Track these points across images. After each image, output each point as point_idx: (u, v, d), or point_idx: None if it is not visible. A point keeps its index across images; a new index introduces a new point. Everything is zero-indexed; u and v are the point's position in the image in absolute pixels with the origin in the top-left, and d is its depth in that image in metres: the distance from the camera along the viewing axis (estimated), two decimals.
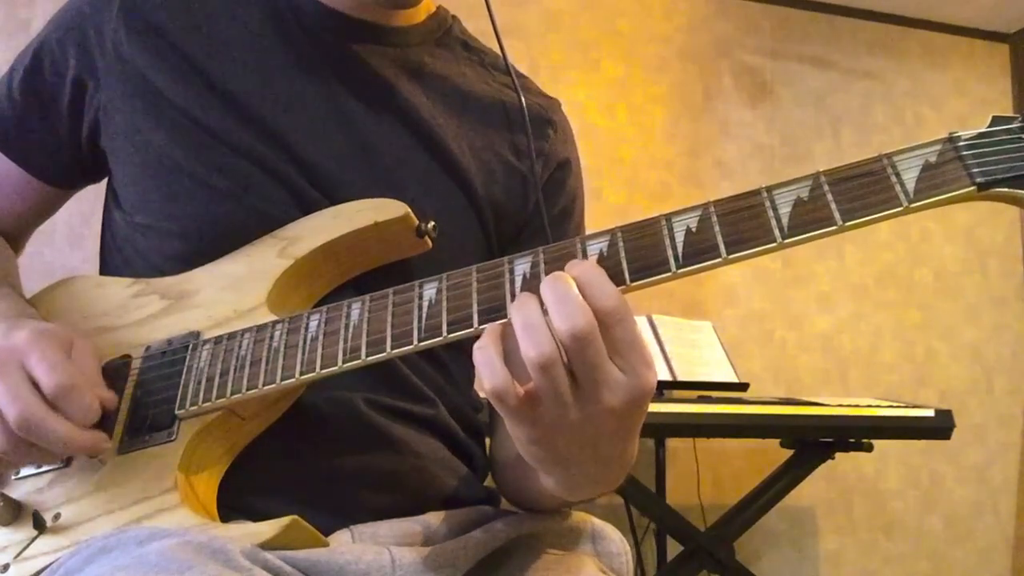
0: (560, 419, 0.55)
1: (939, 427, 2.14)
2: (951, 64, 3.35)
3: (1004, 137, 0.56)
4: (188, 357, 0.71)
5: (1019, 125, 0.56)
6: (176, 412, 0.69)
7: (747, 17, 3.11)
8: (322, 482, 0.73)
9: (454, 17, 0.92)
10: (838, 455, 2.27)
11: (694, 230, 0.58)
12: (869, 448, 2.22)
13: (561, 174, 0.90)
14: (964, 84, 3.36)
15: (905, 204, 0.56)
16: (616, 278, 0.57)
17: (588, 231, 0.68)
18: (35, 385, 0.64)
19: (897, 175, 0.56)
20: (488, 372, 0.54)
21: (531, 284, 0.59)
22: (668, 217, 0.60)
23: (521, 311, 0.54)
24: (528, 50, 2.79)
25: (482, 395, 0.87)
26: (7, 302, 0.77)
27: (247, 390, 0.67)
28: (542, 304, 0.54)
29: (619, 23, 2.96)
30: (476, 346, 0.55)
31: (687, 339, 2.38)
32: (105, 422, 0.68)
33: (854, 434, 2.20)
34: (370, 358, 0.63)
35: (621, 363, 0.54)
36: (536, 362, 0.53)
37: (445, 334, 0.61)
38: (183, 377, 0.70)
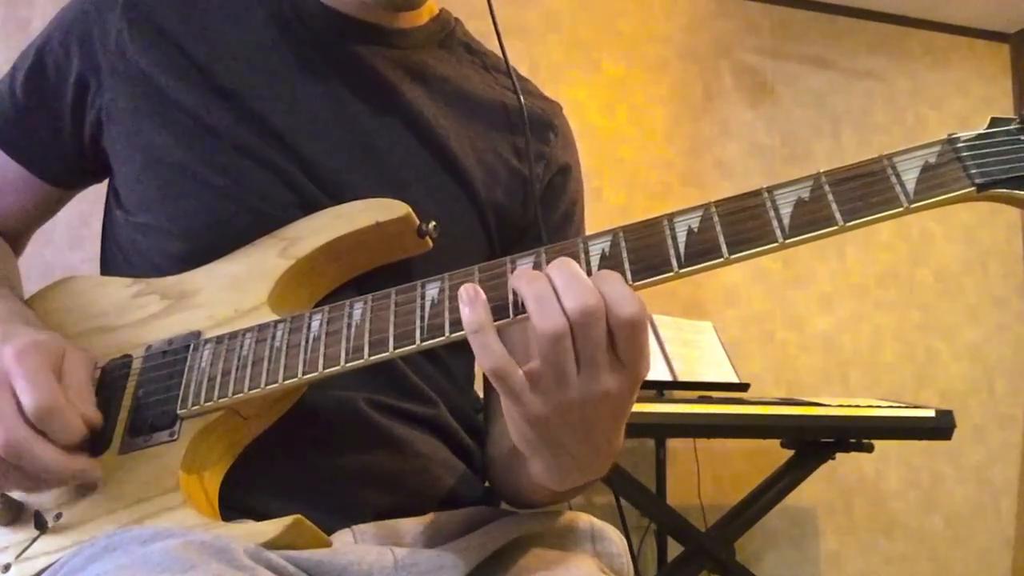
0: (559, 398, 0.56)
1: (940, 427, 2.14)
2: (952, 64, 3.35)
3: (1003, 138, 0.56)
4: (189, 357, 0.71)
5: (1017, 127, 0.56)
6: (178, 412, 0.68)
7: (747, 17, 3.11)
8: (323, 482, 0.73)
9: (456, 20, 0.93)
10: (839, 455, 2.27)
11: (696, 230, 0.59)
12: (870, 448, 2.22)
13: (562, 178, 0.90)
14: (965, 84, 3.36)
15: (905, 204, 0.56)
16: None
17: (589, 231, 0.68)
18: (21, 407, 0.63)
19: (897, 176, 0.57)
20: (488, 353, 0.56)
21: None
22: (670, 217, 0.60)
23: (533, 285, 0.56)
24: (528, 50, 2.79)
25: (481, 395, 0.87)
26: (4, 303, 0.77)
27: (249, 390, 0.67)
28: None
29: (619, 23, 2.96)
30: (471, 332, 0.56)
31: (688, 339, 2.38)
32: (97, 436, 0.68)
33: (855, 434, 2.20)
34: (373, 358, 0.64)
35: (622, 347, 0.56)
36: (550, 332, 0.54)
37: (448, 334, 0.62)
38: (184, 377, 0.70)
